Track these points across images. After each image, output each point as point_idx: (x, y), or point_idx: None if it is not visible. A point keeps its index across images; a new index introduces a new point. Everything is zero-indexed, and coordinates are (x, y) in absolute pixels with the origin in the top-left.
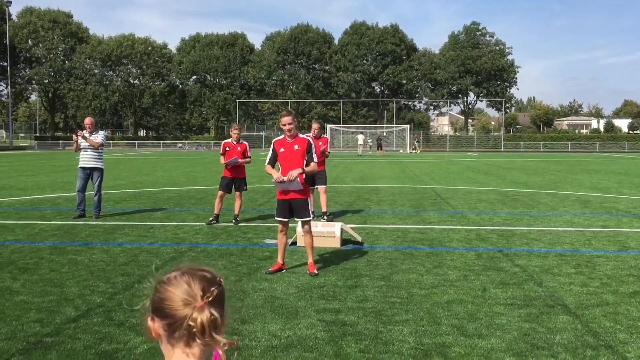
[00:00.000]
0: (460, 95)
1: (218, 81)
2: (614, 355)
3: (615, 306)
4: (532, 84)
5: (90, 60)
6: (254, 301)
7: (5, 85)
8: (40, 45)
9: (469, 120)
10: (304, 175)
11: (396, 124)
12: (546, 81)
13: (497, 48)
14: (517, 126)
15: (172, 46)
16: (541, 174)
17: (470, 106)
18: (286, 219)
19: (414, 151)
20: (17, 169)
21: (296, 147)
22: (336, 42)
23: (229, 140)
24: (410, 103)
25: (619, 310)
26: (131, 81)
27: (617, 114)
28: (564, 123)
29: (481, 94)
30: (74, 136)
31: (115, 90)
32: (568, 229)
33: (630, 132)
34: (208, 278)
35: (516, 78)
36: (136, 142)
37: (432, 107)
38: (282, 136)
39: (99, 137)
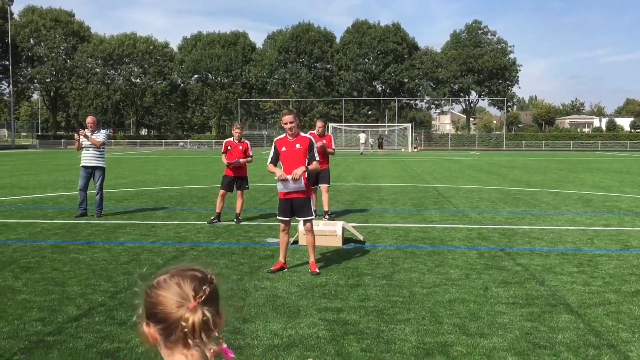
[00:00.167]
0: (461, 93)
1: (220, 80)
2: (616, 355)
3: (617, 305)
4: (534, 82)
5: (92, 59)
6: (256, 300)
7: (7, 84)
8: (42, 44)
9: (471, 119)
10: (306, 173)
11: (398, 122)
12: (548, 80)
13: (499, 46)
14: (519, 125)
15: (174, 45)
16: (543, 173)
17: (471, 105)
18: (288, 218)
19: (415, 150)
20: (19, 168)
21: (298, 146)
22: (338, 40)
23: (231, 139)
24: (411, 102)
25: (621, 309)
26: (133, 80)
27: (619, 112)
28: (565, 122)
29: (483, 93)
30: (76, 135)
31: (117, 89)
32: (570, 228)
33: (633, 130)
34: (199, 277)
35: (518, 76)
36: (138, 141)
37: (433, 106)
38: (284, 135)
39: (100, 136)
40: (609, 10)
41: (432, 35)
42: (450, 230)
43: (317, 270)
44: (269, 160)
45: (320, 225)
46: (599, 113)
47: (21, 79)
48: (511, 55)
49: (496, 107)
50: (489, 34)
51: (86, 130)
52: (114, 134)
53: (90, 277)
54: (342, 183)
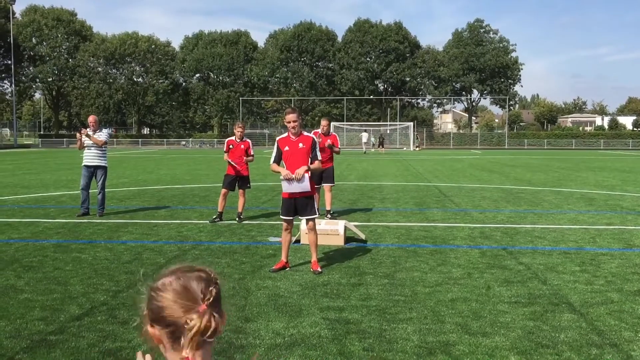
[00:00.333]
0: (463, 92)
1: (221, 79)
2: (619, 354)
3: (620, 304)
4: (536, 81)
5: (94, 58)
6: (258, 299)
7: (9, 84)
8: (44, 43)
9: (473, 118)
10: (309, 172)
11: (400, 121)
12: (550, 78)
13: (501, 45)
14: (521, 124)
15: (176, 44)
16: (545, 172)
17: (473, 103)
18: (291, 217)
19: (417, 148)
20: (21, 167)
21: (301, 145)
22: (339, 39)
23: (233, 137)
24: (413, 100)
25: (623, 309)
26: (135, 79)
27: (622, 111)
28: (568, 120)
29: (485, 92)
30: (78, 134)
31: (119, 89)
32: (572, 227)
33: (635, 129)
34: (204, 278)
35: (520, 75)
36: (140, 140)
37: (435, 105)
38: (286, 134)
39: (102, 135)
40: (611, 8)
41: (434, 34)
42: (453, 229)
43: (319, 270)
44: (272, 159)
45: (322, 224)
46: (601, 112)
47: (23, 78)
48: (513, 54)
49: (498, 105)
50: (491, 32)
51: (88, 129)
52: (115, 133)
53: (93, 276)
54: (344, 182)
